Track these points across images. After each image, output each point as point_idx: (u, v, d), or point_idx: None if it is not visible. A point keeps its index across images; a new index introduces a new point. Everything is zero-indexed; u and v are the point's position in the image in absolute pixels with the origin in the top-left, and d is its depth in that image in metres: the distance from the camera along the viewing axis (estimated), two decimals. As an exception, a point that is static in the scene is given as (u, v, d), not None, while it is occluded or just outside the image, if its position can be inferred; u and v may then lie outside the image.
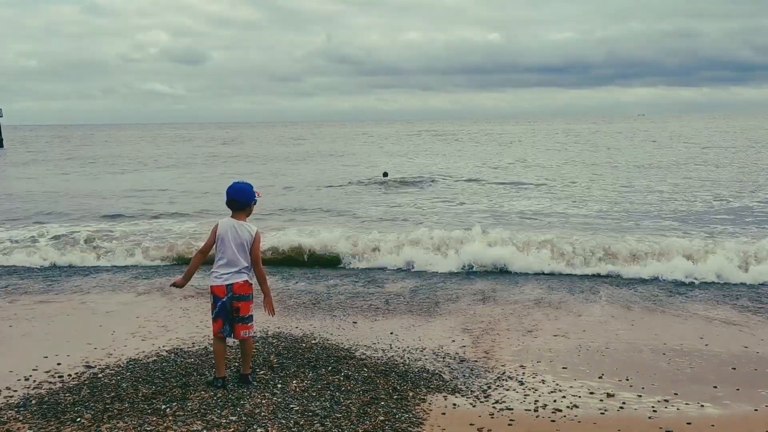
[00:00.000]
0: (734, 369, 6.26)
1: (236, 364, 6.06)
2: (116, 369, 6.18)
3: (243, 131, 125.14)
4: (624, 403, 5.47)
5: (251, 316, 5.70)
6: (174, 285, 5.82)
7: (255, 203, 5.82)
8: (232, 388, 5.59)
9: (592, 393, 5.67)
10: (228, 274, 5.60)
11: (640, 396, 5.62)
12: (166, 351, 6.73)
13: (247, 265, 5.64)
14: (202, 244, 5.99)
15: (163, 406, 5.23)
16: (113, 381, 5.83)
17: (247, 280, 5.65)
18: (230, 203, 5.74)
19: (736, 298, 8.94)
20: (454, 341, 7.11)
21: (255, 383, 5.74)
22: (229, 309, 5.61)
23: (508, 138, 71.55)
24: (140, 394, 5.48)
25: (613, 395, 5.62)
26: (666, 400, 5.51)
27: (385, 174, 26.58)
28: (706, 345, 6.96)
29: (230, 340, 6.01)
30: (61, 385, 5.81)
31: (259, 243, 5.71)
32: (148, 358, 6.49)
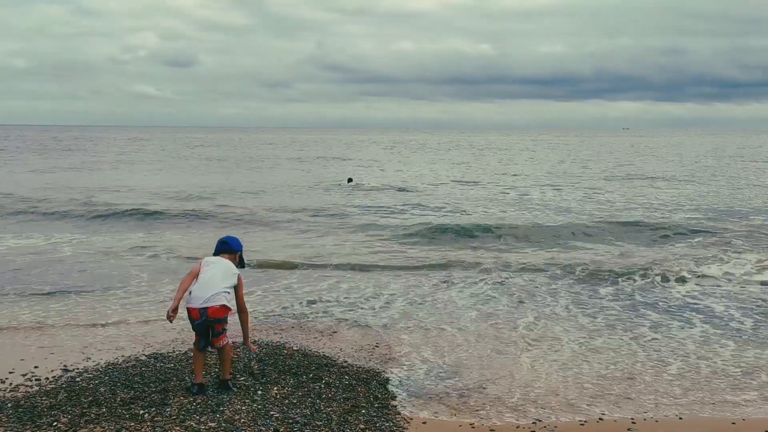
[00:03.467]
0: (709, 384, 6.32)
1: (217, 369, 6.02)
2: (94, 373, 6.11)
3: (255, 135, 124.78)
4: (603, 413, 5.50)
5: (225, 329, 5.69)
6: (169, 317, 5.60)
7: (242, 261, 6.05)
8: (212, 394, 5.55)
9: (571, 405, 5.69)
10: (205, 296, 5.55)
11: (620, 407, 5.65)
12: (146, 356, 6.67)
13: (228, 285, 5.67)
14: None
15: (142, 412, 5.17)
16: (91, 385, 5.76)
17: (224, 304, 5.62)
18: (221, 245, 5.98)
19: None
20: (435, 351, 7.11)
21: (235, 389, 5.70)
22: (204, 328, 5.61)
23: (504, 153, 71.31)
24: (118, 399, 5.42)
25: (591, 407, 5.65)
26: (645, 412, 5.54)
27: (350, 180, 28.72)
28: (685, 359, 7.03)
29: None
30: (38, 388, 5.74)
31: (242, 285, 5.87)
32: (127, 363, 6.42)
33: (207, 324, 5.57)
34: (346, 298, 9.50)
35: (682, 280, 10.49)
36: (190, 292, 5.62)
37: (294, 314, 8.56)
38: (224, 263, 5.80)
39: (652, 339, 7.61)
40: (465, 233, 15.18)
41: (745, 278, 10.73)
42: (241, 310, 5.90)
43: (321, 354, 6.84)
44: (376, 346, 7.21)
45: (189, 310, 5.59)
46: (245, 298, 5.97)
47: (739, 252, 12.93)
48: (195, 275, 5.69)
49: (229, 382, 5.76)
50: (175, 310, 5.56)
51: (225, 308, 5.63)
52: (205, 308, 5.54)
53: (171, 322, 5.62)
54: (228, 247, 5.97)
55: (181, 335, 7.41)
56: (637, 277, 10.69)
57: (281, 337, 7.43)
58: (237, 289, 5.79)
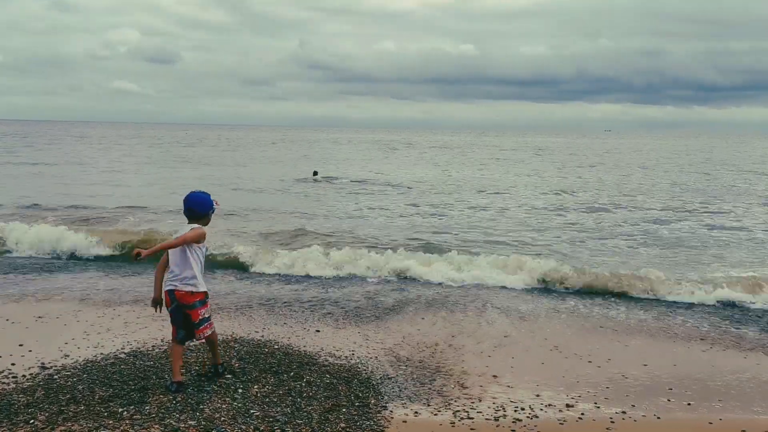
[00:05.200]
0: (686, 383, 6.40)
1: (196, 368, 6.04)
2: (72, 370, 6.05)
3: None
4: (583, 413, 5.55)
5: (206, 317, 5.71)
6: (153, 303, 5.76)
7: (213, 212, 5.82)
8: (192, 393, 5.52)
9: (551, 405, 5.73)
10: (173, 281, 5.58)
11: (599, 407, 5.70)
12: (125, 353, 6.62)
13: (192, 275, 5.58)
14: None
15: (120, 410, 5.14)
16: (69, 383, 5.71)
17: (191, 291, 5.59)
18: (188, 212, 5.74)
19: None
20: (417, 350, 7.13)
21: (228, 375, 5.85)
22: (180, 317, 5.64)
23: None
24: (97, 397, 5.38)
25: (572, 406, 5.70)
26: (624, 412, 5.60)
27: (315, 173, 30.01)
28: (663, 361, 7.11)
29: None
30: (14, 385, 5.67)
31: (194, 234, 5.57)
32: (105, 360, 6.37)
33: (180, 308, 5.60)
34: (328, 297, 9.49)
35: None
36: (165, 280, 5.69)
37: (275, 312, 8.54)
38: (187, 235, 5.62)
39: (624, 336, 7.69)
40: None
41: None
42: (177, 241, 5.57)
43: (302, 352, 6.83)
44: (358, 345, 7.21)
45: (165, 294, 5.65)
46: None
47: None
48: (165, 263, 5.68)
49: (220, 366, 5.92)
50: (156, 300, 5.69)
51: (192, 294, 5.59)
52: (172, 290, 5.58)
53: (158, 311, 5.75)
54: (196, 215, 5.71)
55: (161, 332, 7.37)
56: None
57: (262, 336, 7.41)
58: (189, 234, 5.57)
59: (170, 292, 5.60)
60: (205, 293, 5.69)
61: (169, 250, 5.62)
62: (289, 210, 19.32)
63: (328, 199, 22.61)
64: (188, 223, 5.74)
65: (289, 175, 31.60)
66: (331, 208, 19.91)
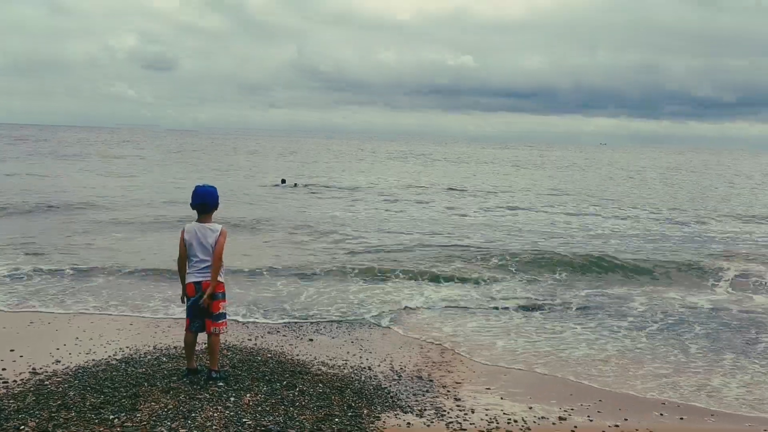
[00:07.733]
0: (679, 398, 6.40)
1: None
2: (64, 376, 6.02)
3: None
4: (576, 426, 5.54)
5: (223, 314, 5.91)
6: (183, 299, 5.94)
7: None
8: (184, 400, 5.49)
9: (543, 417, 5.72)
10: (197, 272, 5.79)
11: (591, 420, 5.69)
12: (117, 360, 6.59)
13: (221, 264, 5.83)
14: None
15: (111, 417, 5.10)
16: (60, 389, 5.67)
17: (219, 280, 5.84)
18: (198, 206, 5.91)
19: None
20: (410, 361, 7.12)
21: (221, 383, 5.85)
22: (200, 307, 5.80)
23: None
24: (88, 403, 5.34)
25: (564, 419, 5.69)
26: (616, 426, 5.59)
27: (283, 180, 31.43)
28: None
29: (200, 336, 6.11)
30: (5, 391, 5.63)
31: (224, 238, 5.83)
32: (97, 367, 6.33)
33: (203, 298, 5.75)
34: (322, 305, 9.47)
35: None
36: (187, 273, 5.85)
37: (269, 321, 8.52)
38: (204, 234, 5.80)
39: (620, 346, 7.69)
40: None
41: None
42: (216, 256, 5.79)
43: (295, 361, 6.81)
44: (351, 355, 7.19)
45: (187, 286, 5.83)
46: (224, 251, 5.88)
47: None
48: (184, 256, 5.84)
49: (213, 372, 5.93)
50: (186, 290, 5.87)
51: (218, 285, 5.82)
52: (200, 282, 5.77)
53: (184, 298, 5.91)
54: (207, 209, 5.91)
55: (153, 339, 7.34)
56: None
57: (255, 344, 7.38)
58: (218, 240, 5.79)
59: (197, 284, 5.78)
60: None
61: (191, 246, 5.78)
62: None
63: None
64: (198, 216, 5.92)
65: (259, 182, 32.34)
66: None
